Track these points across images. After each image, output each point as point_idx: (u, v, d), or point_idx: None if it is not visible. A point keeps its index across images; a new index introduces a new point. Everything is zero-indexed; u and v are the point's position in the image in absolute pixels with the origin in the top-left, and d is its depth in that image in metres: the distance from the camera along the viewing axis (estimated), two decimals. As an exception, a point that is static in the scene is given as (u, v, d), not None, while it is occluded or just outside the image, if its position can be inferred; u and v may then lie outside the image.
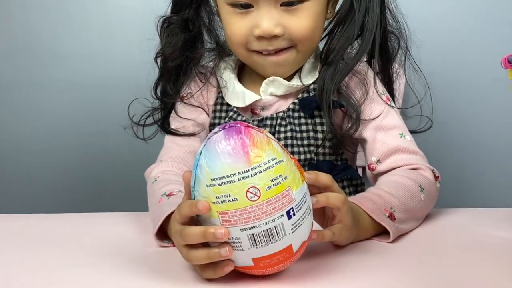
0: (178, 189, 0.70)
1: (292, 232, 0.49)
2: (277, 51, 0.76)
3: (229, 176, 0.47)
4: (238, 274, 0.52)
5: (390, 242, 0.63)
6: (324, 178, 0.56)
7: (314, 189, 0.55)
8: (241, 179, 0.47)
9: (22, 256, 0.62)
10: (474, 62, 1.18)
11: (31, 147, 1.32)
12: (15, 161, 1.33)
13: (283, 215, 0.48)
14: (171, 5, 0.82)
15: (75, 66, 1.28)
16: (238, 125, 0.50)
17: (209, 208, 0.48)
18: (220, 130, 0.49)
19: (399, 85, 0.89)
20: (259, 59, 0.78)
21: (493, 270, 0.54)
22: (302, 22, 0.74)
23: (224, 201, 0.48)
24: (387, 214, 0.64)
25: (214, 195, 0.48)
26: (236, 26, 0.76)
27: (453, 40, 1.19)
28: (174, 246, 0.63)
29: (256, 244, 0.48)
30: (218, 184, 0.47)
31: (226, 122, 0.78)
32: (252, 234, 0.48)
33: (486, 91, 1.16)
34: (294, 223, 0.49)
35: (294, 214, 0.49)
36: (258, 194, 0.47)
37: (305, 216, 0.50)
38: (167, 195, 0.69)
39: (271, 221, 0.48)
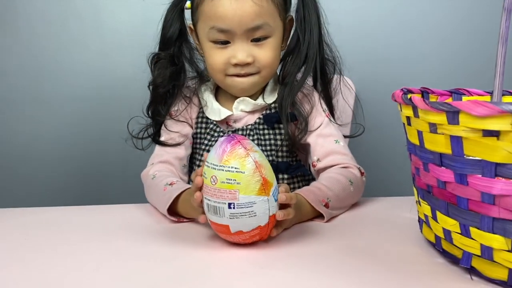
0: (176, 179, 0.88)
1: (230, 218, 0.66)
2: (245, 75, 0.92)
3: (209, 163, 0.67)
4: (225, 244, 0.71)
5: (325, 222, 0.81)
6: (291, 196, 0.71)
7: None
8: (212, 168, 0.66)
9: (37, 241, 0.74)
10: (398, 79, 1.35)
11: (32, 155, 1.40)
12: (18, 168, 1.41)
13: (225, 203, 0.65)
14: (159, 43, 0.97)
15: (78, 82, 1.37)
16: (235, 138, 0.67)
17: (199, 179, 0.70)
18: (226, 136, 0.68)
19: (337, 101, 1.04)
20: (230, 81, 0.93)
21: (397, 239, 0.72)
22: (267, 53, 0.91)
23: (204, 177, 0.68)
24: (323, 204, 0.80)
25: (204, 171, 0.68)
26: (217, 57, 0.91)
27: (379, 63, 1.36)
28: (180, 222, 0.82)
29: (209, 211, 0.68)
30: (207, 166, 0.67)
31: (206, 132, 0.98)
32: (208, 204, 0.68)
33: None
34: (232, 214, 0.66)
35: (234, 208, 0.65)
36: (215, 182, 0.66)
37: (246, 216, 0.66)
38: (170, 184, 0.86)
39: (217, 202, 0.66)
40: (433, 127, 0.59)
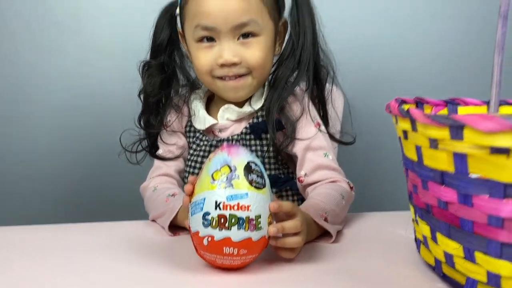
0: (179, 190, 0.86)
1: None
2: (236, 77, 0.87)
3: None
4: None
5: (332, 242, 0.73)
6: (286, 205, 0.65)
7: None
8: None
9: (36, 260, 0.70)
10: (390, 86, 1.32)
11: (5, 175, 1.32)
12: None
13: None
14: (150, 51, 0.93)
15: (57, 92, 1.30)
16: (226, 146, 0.66)
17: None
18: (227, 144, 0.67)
19: (338, 106, 1.01)
20: (221, 84, 0.88)
21: (393, 260, 0.67)
22: (255, 52, 0.86)
23: None
24: (323, 218, 0.73)
25: None
26: (203, 58, 0.87)
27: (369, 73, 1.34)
28: (177, 235, 0.79)
29: None
30: None
31: (193, 141, 0.94)
32: None
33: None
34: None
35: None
36: None
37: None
38: (172, 195, 0.84)
39: None
40: (434, 143, 0.53)
